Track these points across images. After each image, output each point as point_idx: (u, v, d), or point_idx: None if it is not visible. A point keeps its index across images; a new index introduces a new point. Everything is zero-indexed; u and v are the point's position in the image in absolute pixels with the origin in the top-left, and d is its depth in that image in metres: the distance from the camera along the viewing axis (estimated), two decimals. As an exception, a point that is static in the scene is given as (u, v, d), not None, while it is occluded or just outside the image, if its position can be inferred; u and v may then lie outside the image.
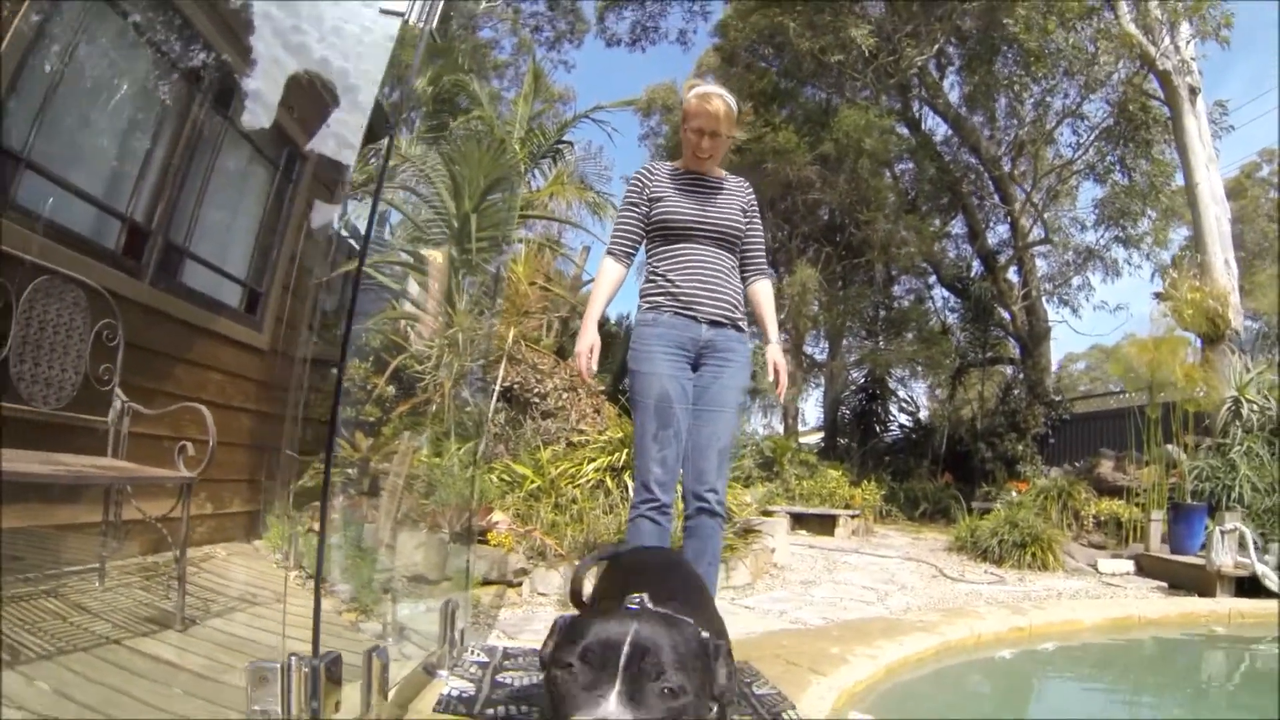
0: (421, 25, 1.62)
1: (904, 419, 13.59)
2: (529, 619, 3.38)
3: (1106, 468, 7.89)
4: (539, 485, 4.52)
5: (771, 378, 2.61)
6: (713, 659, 1.11)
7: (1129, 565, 5.92)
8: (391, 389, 5.10)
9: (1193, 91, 7.00)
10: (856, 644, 2.96)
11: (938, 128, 12.41)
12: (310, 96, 3.36)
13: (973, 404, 12.12)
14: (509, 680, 2.00)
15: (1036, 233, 12.19)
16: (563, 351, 7.87)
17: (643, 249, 2.67)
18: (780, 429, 13.21)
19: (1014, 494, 8.00)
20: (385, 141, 3.33)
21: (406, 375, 5.19)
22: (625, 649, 0.98)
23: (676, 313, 2.49)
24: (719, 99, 2.48)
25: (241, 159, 4.25)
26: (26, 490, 2.33)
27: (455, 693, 1.84)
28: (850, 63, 9.98)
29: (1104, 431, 9.41)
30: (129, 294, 3.17)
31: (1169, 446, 6.40)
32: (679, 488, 2.54)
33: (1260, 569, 4.56)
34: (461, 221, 5.19)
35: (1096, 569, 5.95)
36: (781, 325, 12.75)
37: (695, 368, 2.52)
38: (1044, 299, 12.60)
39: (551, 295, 7.69)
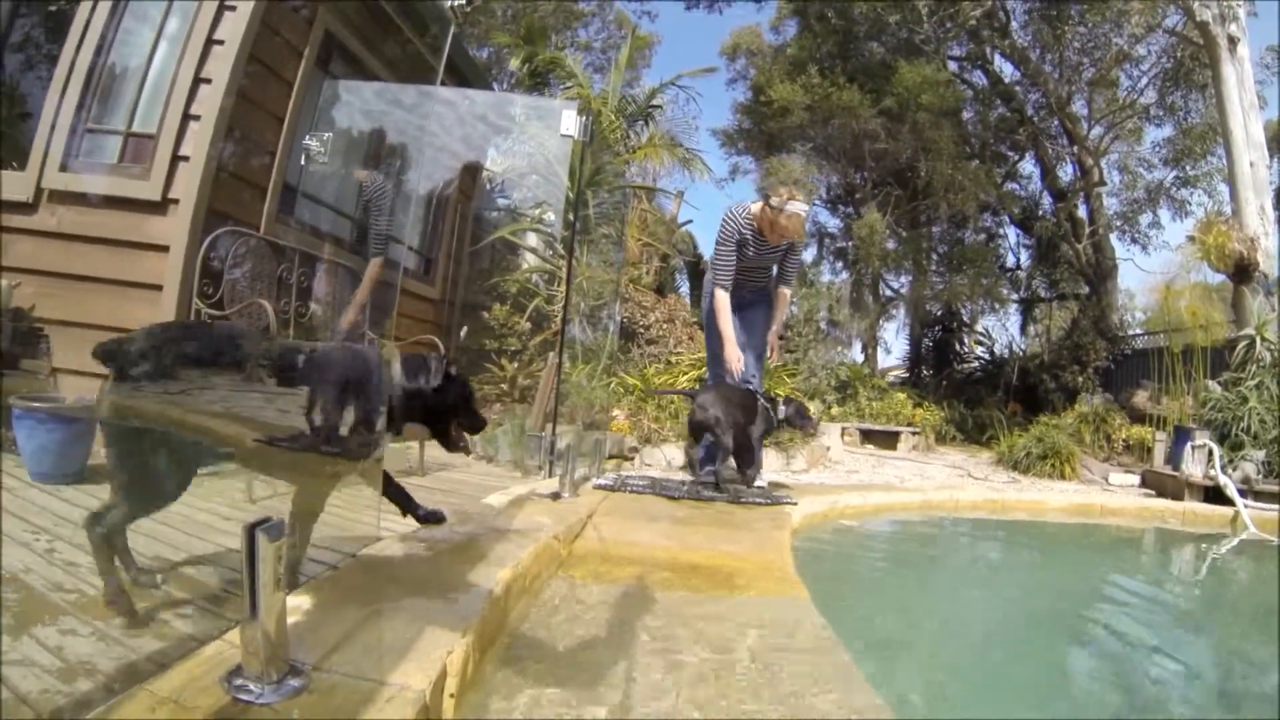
0: (584, 140, 3.10)
1: (980, 351, 14.31)
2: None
3: (1141, 398, 8.43)
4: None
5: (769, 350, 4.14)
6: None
7: (1135, 479, 6.30)
8: (528, 324, 6.73)
9: (1232, 41, 7.22)
10: (858, 491, 4.35)
11: (1004, 66, 12.66)
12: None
13: (1040, 338, 12.61)
14: (630, 481, 3.58)
15: (1107, 173, 12.37)
16: (661, 289, 9.44)
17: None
18: (860, 358, 14.30)
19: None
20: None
21: (537, 313, 6.80)
22: None
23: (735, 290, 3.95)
24: (798, 218, 3.76)
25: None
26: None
27: (602, 483, 3.42)
28: (908, 19, 10.51)
29: (1161, 365, 9.85)
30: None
31: (1209, 381, 6.60)
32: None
33: (1222, 480, 4.85)
34: (577, 193, 6.61)
35: (1107, 480, 6.57)
36: (852, 263, 13.78)
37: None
38: (1112, 236, 12.77)
39: (653, 244, 9.19)
